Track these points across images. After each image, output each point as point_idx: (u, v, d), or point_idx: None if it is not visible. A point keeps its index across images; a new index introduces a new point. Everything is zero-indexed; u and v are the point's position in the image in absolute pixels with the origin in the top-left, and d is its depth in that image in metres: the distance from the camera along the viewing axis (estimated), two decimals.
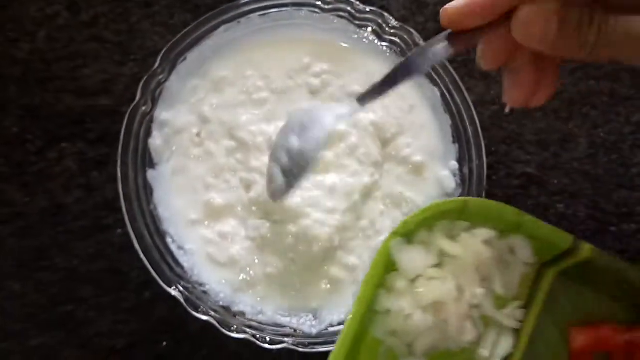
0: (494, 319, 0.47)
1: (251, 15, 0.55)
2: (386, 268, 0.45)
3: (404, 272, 0.45)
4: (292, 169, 0.44)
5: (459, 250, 0.45)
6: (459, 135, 0.54)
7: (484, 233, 0.46)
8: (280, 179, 0.45)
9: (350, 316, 0.42)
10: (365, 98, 0.42)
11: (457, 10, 0.36)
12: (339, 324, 0.49)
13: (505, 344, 0.46)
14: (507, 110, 0.40)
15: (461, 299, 0.45)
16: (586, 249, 0.45)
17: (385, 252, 0.44)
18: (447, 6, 0.37)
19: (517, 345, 0.47)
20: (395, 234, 0.44)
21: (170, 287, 0.46)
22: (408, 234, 0.45)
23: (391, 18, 0.56)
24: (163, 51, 0.52)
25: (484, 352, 0.46)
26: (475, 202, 0.46)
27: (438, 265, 0.46)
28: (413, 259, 0.45)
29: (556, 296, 0.48)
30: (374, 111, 0.54)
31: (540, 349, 0.47)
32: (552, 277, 0.48)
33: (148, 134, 0.51)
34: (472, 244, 0.46)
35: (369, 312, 0.45)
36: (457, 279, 0.45)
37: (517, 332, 0.47)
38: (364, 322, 0.44)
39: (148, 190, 0.50)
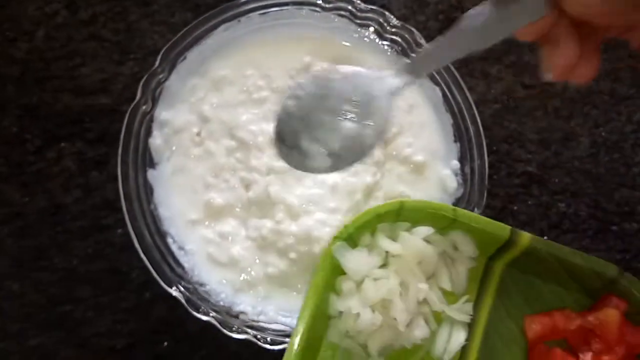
0: (445, 315, 0.47)
1: (251, 14, 0.55)
2: (334, 272, 0.46)
3: (350, 274, 0.46)
4: (343, 154, 0.41)
5: (400, 249, 0.46)
6: (460, 135, 0.54)
7: (424, 231, 0.47)
8: (326, 161, 0.41)
9: (298, 322, 0.43)
10: (419, 67, 0.38)
11: None
12: None
13: (458, 339, 0.47)
14: (546, 79, 0.37)
15: (407, 295, 0.46)
16: (525, 238, 0.46)
17: (328, 257, 0.45)
18: None
19: (472, 340, 0.47)
20: (336, 238, 0.45)
21: (171, 287, 0.46)
22: (350, 238, 0.46)
23: (392, 17, 0.56)
24: (163, 50, 0.52)
25: (438, 347, 0.47)
26: (410, 203, 0.47)
27: (383, 266, 0.47)
28: (358, 261, 0.46)
29: (507, 289, 0.49)
30: None
31: (496, 342, 0.48)
32: (500, 270, 0.49)
33: (148, 133, 0.51)
34: (413, 242, 0.47)
35: (322, 318, 0.46)
36: (401, 276, 0.46)
37: (470, 327, 0.48)
38: (316, 328, 0.45)
39: (148, 189, 0.50)
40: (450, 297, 0.48)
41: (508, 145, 0.60)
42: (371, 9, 0.56)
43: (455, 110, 0.54)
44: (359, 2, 0.55)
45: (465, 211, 0.47)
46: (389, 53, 0.56)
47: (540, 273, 0.49)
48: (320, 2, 0.55)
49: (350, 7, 0.55)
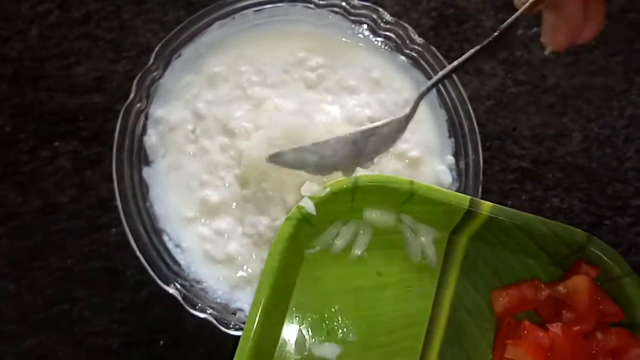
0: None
1: (246, 11, 0.55)
2: (291, 249, 0.45)
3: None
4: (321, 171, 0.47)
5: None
6: (454, 130, 0.55)
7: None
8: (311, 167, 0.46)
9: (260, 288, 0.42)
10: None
11: None
12: None
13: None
14: (547, 53, 0.37)
15: None
16: (485, 206, 0.46)
17: (283, 236, 0.44)
18: None
19: (439, 317, 0.47)
20: (289, 219, 0.44)
21: (168, 285, 0.46)
22: (305, 219, 0.45)
23: (386, 13, 0.56)
24: (157, 48, 0.52)
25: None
26: (364, 178, 0.46)
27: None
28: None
29: (473, 263, 0.48)
30: (370, 106, 0.54)
31: (463, 317, 0.47)
32: (464, 243, 0.48)
33: (143, 131, 0.51)
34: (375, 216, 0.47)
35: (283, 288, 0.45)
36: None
37: (436, 304, 0.47)
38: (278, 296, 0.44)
39: (143, 187, 0.50)
40: (423, 271, 0.48)
41: (501, 141, 0.60)
42: (365, 5, 0.56)
43: (449, 106, 0.55)
44: None
45: (423, 183, 0.46)
46: (383, 49, 0.57)
47: (507, 244, 0.47)
48: None
49: (344, 4, 0.56)
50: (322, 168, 0.47)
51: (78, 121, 0.56)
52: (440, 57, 0.55)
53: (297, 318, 0.45)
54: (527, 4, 0.37)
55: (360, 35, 0.57)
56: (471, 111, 0.54)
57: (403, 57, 0.57)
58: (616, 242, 0.57)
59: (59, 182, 0.54)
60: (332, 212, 0.46)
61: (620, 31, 0.63)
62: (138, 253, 0.47)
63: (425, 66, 0.56)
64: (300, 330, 0.45)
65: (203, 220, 0.50)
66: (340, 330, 0.45)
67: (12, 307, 0.51)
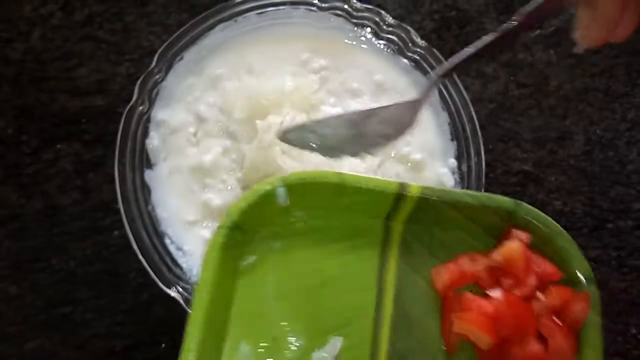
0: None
1: (248, 14, 0.55)
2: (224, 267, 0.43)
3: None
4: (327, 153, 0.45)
5: None
6: (457, 133, 0.54)
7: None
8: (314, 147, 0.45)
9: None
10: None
11: None
12: None
13: None
14: (577, 50, 0.36)
15: None
16: (414, 188, 0.45)
17: (215, 246, 0.42)
18: None
19: (383, 309, 0.46)
20: (221, 227, 0.43)
21: (170, 288, 0.46)
22: (236, 226, 0.43)
23: (388, 16, 0.56)
24: (160, 50, 0.52)
25: None
26: (293, 176, 0.44)
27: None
28: None
29: (410, 246, 0.47)
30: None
31: (407, 303, 0.46)
32: (400, 229, 0.48)
33: (145, 134, 0.51)
34: None
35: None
36: None
37: (380, 296, 0.46)
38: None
39: (145, 190, 0.50)
40: (362, 262, 0.47)
41: (504, 144, 0.60)
42: (367, 8, 0.56)
43: (452, 109, 0.55)
44: (355, 1, 0.56)
45: (352, 174, 0.45)
46: (385, 52, 0.57)
47: (441, 223, 0.47)
48: (316, 1, 0.55)
49: (346, 7, 0.56)
50: (326, 149, 0.46)
51: (80, 123, 0.56)
52: (443, 59, 0.55)
53: (239, 329, 0.43)
54: None
55: (363, 37, 0.57)
56: (473, 114, 0.54)
57: (405, 60, 0.57)
58: (619, 245, 0.57)
59: (61, 185, 0.54)
60: (264, 216, 0.45)
61: None
62: (140, 256, 0.47)
63: (428, 69, 0.56)
64: (243, 342, 0.43)
65: (205, 224, 0.50)
66: (285, 336, 0.44)
67: (13, 309, 0.51)
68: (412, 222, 0.47)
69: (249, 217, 0.44)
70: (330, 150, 0.46)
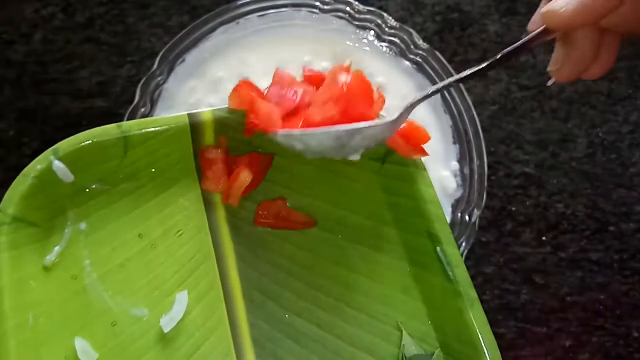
0: None
1: (250, 16, 0.55)
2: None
3: None
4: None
5: None
6: (459, 136, 0.54)
7: None
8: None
9: None
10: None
11: None
12: None
13: None
14: (549, 83, 0.37)
15: None
16: (206, 113, 0.42)
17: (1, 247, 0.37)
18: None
19: (221, 234, 0.44)
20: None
21: None
22: (15, 219, 0.38)
23: (390, 18, 0.56)
24: (161, 52, 0.52)
25: None
26: (64, 144, 0.40)
27: None
28: None
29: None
30: None
31: (246, 227, 0.44)
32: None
33: None
34: None
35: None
36: None
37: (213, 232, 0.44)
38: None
39: None
40: (185, 210, 0.44)
41: (506, 146, 0.60)
42: (369, 10, 0.56)
43: (454, 111, 0.55)
44: (356, 3, 0.56)
45: (131, 121, 0.41)
46: (387, 54, 0.56)
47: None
48: (318, 3, 0.55)
49: (348, 9, 0.56)
50: (310, 154, 0.46)
51: (81, 125, 0.56)
52: (445, 62, 0.55)
53: (70, 325, 0.39)
54: (534, 33, 0.36)
55: (365, 40, 0.57)
56: (476, 117, 0.54)
57: (408, 62, 0.56)
58: (621, 248, 0.57)
59: None
60: (52, 199, 0.40)
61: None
62: None
63: (430, 71, 0.56)
64: (78, 337, 0.38)
65: None
66: (127, 315, 0.40)
67: None
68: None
69: (33, 206, 0.38)
70: (315, 154, 0.46)
